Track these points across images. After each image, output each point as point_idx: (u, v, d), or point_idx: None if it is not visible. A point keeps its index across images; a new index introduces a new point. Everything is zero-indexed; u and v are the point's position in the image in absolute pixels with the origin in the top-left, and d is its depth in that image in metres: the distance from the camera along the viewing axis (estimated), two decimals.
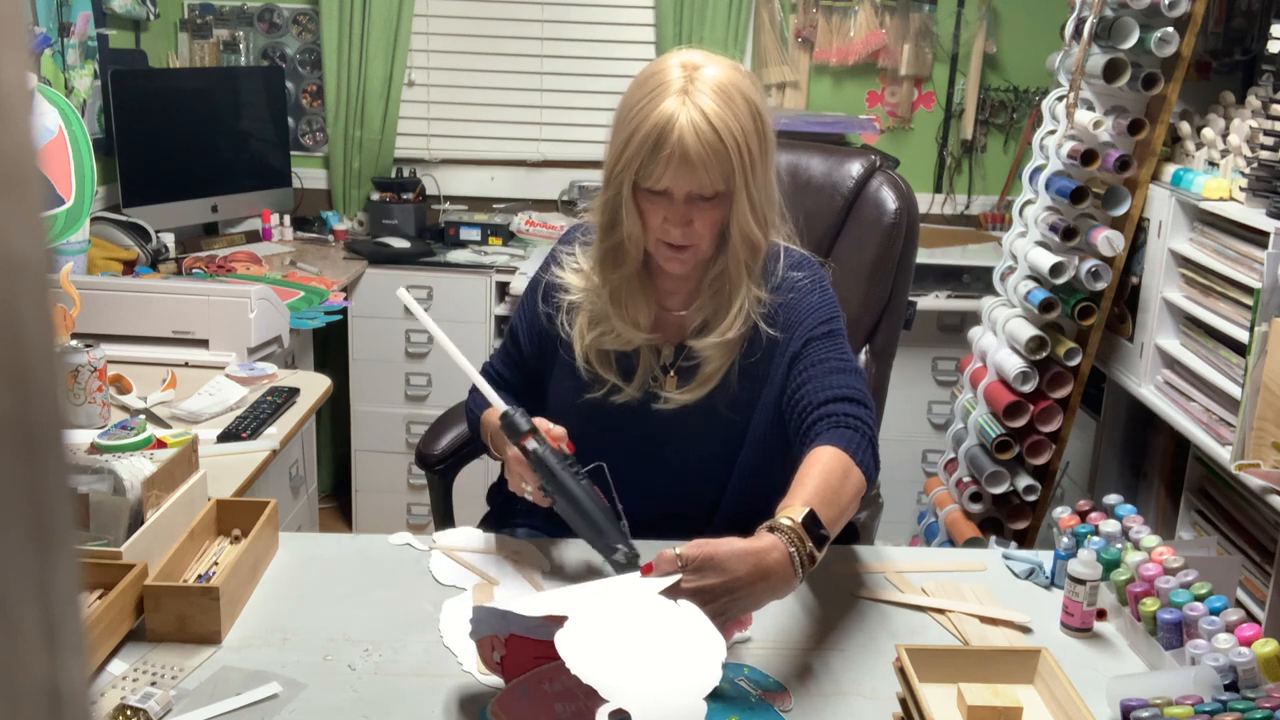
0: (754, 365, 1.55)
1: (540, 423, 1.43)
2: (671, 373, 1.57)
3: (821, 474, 1.31)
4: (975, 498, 2.68)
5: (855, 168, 1.96)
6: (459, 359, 1.43)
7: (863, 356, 1.95)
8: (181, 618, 1.27)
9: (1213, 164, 2.34)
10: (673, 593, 1.16)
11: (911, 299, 2.03)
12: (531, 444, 1.40)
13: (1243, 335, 2.09)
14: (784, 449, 1.51)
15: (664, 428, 1.57)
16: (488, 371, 1.69)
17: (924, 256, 3.21)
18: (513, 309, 1.71)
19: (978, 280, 3.18)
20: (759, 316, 1.52)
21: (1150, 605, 1.29)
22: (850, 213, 1.95)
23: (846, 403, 1.43)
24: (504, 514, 1.71)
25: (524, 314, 1.67)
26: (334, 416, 3.55)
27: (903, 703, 1.15)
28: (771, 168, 1.50)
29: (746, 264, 1.50)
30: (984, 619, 1.39)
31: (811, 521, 1.22)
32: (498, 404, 1.43)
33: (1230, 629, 1.20)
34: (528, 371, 1.67)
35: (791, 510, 1.23)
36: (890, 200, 1.93)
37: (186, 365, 2.23)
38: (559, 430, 1.44)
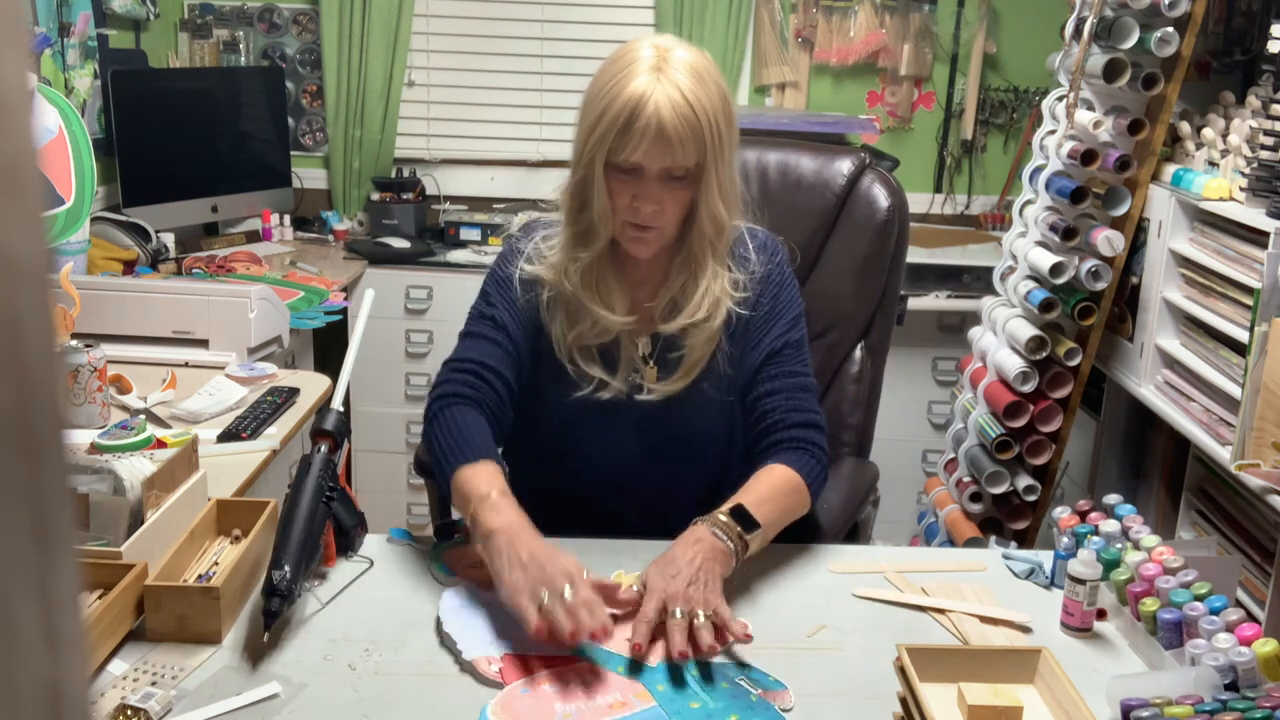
0: (738, 347, 1.57)
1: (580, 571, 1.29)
2: (651, 363, 1.57)
3: (769, 488, 1.47)
4: (975, 498, 2.68)
5: (845, 166, 1.97)
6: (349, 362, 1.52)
7: (857, 352, 1.98)
8: (182, 618, 1.27)
9: (1213, 164, 2.34)
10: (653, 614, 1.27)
11: (902, 295, 2.06)
12: (321, 447, 1.41)
13: (1243, 335, 2.09)
14: None
15: (656, 418, 1.58)
16: (477, 373, 1.53)
17: (924, 256, 3.22)
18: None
19: (978, 280, 3.18)
20: (733, 299, 1.54)
21: (1150, 605, 1.29)
22: (842, 210, 1.97)
23: (812, 429, 1.55)
24: None
25: (506, 307, 1.57)
26: None
27: (903, 702, 1.15)
28: (735, 154, 1.52)
29: (711, 242, 1.51)
30: (984, 619, 1.39)
31: (737, 512, 1.40)
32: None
33: (1230, 629, 1.20)
34: (519, 367, 1.57)
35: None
36: (882, 198, 1.95)
37: (186, 365, 2.23)
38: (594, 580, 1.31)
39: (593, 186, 1.46)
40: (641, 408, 1.57)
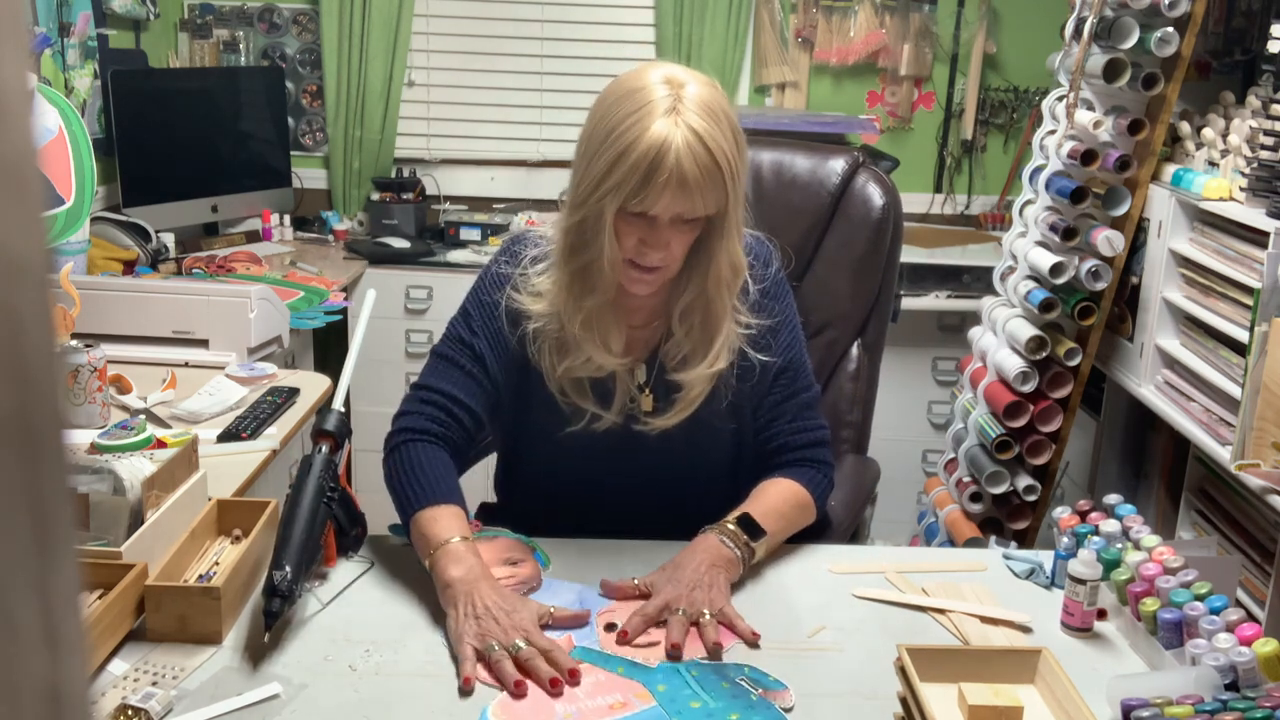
0: (743, 380, 1.53)
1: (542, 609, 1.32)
2: (647, 391, 1.52)
3: (776, 500, 1.51)
4: (975, 498, 2.68)
5: (840, 165, 1.98)
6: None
7: (854, 350, 1.99)
8: (182, 618, 1.27)
9: (1213, 164, 2.34)
10: (652, 609, 1.32)
11: (897, 293, 2.09)
12: (322, 448, 1.40)
13: (1243, 335, 2.09)
14: None
15: (655, 448, 1.52)
16: (446, 408, 1.51)
17: (924, 256, 3.22)
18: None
19: (978, 280, 3.18)
20: (745, 341, 1.50)
21: (1150, 605, 1.29)
22: (837, 209, 1.98)
23: (818, 447, 1.58)
24: (490, 517, 1.69)
25: (487, 337, 1.52)
26: None
27: (903, 702, 1.15)
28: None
29: (729, 286, 1.45)
30: (984, 619, 1.39)
31: (744, 520, 1.44)
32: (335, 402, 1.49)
33: (1230, 628, 1.20)
34: (493, 402, 1.54)
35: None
36: (877, 196, 1.96)
37: (186, 365, 2.23)
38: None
39: (600, 231, 1.37)
40: (638, 438, 1.52)
